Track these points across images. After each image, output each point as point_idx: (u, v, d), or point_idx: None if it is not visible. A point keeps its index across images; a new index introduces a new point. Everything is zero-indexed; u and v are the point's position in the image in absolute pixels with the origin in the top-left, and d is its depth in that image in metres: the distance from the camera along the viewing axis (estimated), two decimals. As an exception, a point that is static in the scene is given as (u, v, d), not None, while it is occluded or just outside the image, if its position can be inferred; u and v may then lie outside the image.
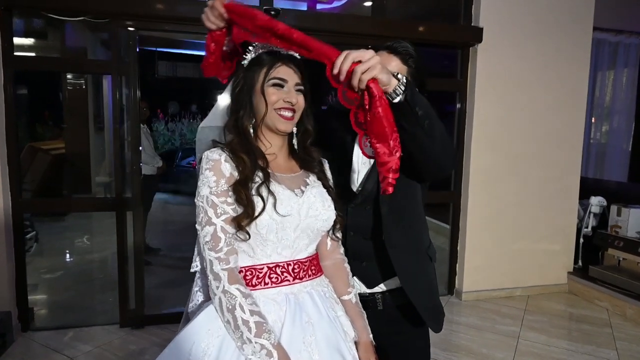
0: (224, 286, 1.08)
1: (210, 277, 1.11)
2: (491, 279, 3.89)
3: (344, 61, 0.97)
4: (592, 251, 4.09)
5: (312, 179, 1.23)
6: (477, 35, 3.62)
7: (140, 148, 3.36)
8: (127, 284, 3.23)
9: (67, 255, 5.06)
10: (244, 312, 1.06)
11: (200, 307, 1.22)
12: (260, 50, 1.20)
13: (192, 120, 17.60)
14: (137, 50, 3.12)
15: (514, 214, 3.88)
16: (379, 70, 0.97)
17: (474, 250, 3.84)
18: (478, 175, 3.79)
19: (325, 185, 1.25)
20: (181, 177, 10.73)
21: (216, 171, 1.12)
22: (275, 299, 1.14)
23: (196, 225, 1.14)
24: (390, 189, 1.05)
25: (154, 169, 4.81)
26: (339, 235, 1.30)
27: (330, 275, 1.30)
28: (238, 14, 1.14)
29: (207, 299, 1.22)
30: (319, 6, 3.94)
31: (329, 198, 1.23)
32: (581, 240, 4.11)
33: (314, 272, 1.22)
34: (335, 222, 1.24)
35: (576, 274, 4.04)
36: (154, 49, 6.33)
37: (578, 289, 3.96)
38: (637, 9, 5.12)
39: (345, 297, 1.30)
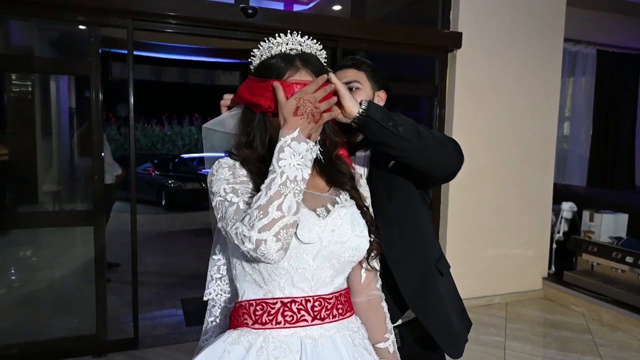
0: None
1: (239, 239, 0.89)
2: (471, 287, 3.84)
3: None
4: (564, 256, 4.14)
5: (344, 197, 1.04)
6: (456, 40, 3.58)
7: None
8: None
9: (13, 273, 4.57)
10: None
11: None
12: (268, 54, 1.01)
13: (147, 125, 16.92)
14: (100, 50, 2.84)
15: (490, 221, 3.87)
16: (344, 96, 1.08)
17: (454, 258, 3.76)
18: (456, 182, 3.73)
19: (359, 205, 1.05)
20: (137, 184, 10.22)
21: (232, 170, 0.98)
22: (288, 342, 0.94)
23: (219, 225, 0.96)
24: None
25: (113, 178, 4.47)
26: (376, 265, 1.10)
27: (363, 316, 1.09)
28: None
29: (224, 330, 1.05)
30: (295, 7, 3.78)
31: (362, 222, 1.03)
32: (554, 245, 4.16)
33: (340, 311, 1.01)
34: (369, 250, 1.05)
35: (551, 279, 4.07)
36: (108, 49, 5.95)
37: (553, 294, 3.99)
38: (594, 21, 5.32)
39: (381, 345, 1.09)
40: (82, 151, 4.85)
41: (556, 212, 4.19)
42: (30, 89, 5.48)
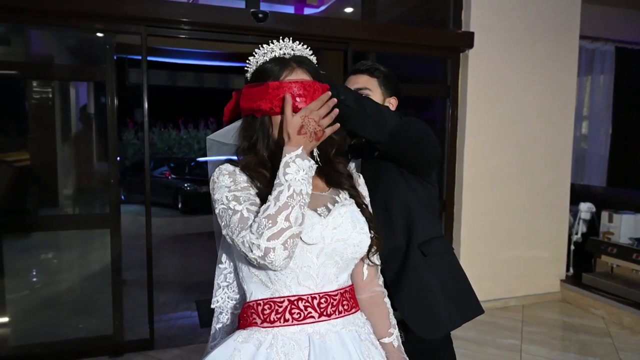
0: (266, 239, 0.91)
1: (246, 247, 0.91)
2: (486, 289, 3.79)
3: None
4: (583, 258, 4.06)
5: (343, 196, 1.07)
6: (468, 40, 3.55)
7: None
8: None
9: (34, 275, 4.68)
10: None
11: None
12: (262, 60, 1.05)
13: (163, 129, 17.15)
14: (115, 57, 2.90)
15: (506, 222, 3.82)
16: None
17: (469, 261, 3.74)
18: (470, 184, 3.70)
19: (359, 203, 1.08)
20: (153, 188, 10.37)
21: (232, 176, 1.00)
22: (297, 339, 0.96)
23: (224, 232, 0.97)
24: None
25: None
26: (376, 260, 1.13)
27: (367, 312, 1.12)
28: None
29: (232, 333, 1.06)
30: (306, 10, 3.80)
31: (362, 219, 1.06)
32: (572, 247, 4.08)
33: (346, 307, 1.03)
34: (370, 245, 1.07)
35: (569, 281, 4.00)
36: (124, 56, 6.07)
37: (572, 297, 3.91)
38: (612, 18, 5.21)
39: (386, 340, 1.12)
40: (99, 156, 4.95)
41: (574, 213, 4.11)
42: (50, 96, 5.63)
